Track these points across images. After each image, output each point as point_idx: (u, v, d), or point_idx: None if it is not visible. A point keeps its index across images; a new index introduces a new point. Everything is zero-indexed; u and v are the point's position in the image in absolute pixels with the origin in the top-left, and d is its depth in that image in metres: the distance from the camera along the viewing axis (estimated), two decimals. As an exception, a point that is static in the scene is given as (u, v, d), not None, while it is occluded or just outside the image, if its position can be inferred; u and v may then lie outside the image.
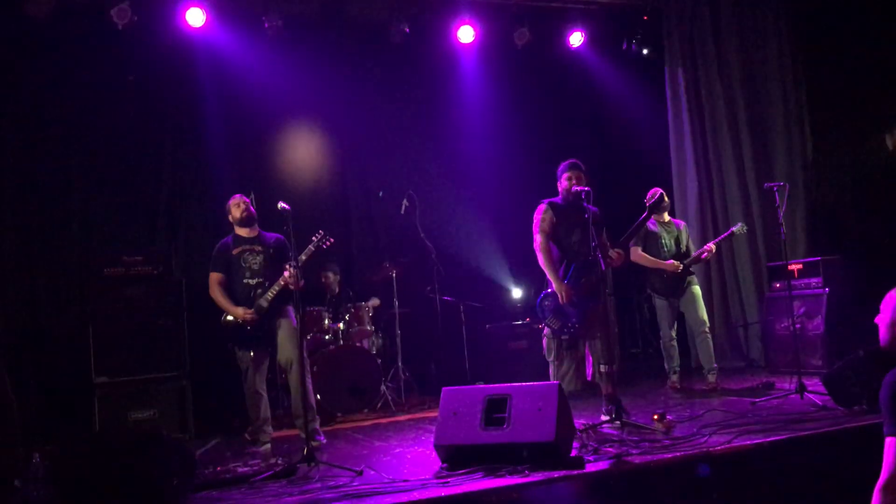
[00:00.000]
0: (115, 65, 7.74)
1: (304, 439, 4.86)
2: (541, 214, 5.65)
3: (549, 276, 5.54)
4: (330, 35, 8.47)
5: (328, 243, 5.60)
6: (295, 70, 8.27)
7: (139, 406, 6.31)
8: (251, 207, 5.82)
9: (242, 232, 5.81)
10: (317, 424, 5.64)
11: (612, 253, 5.57)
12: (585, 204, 5.37)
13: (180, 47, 7.84)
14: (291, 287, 5.40)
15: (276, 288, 5.57)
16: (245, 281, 5.68)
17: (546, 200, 5.72)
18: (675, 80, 9.02)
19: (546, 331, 5.65)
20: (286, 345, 5.55)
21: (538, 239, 5.62)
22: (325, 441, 5.59)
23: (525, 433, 4.27)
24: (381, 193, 7.76)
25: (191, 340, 6.64)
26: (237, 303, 5.63)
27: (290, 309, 5.65)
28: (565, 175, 5.65)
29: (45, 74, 7.47)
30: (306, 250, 5.54)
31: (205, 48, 7.94)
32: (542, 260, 5.59)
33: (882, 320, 2.75)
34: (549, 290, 5.56)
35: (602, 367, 5.50)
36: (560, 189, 5.71)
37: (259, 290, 5.63)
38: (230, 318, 5.64)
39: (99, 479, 3.99)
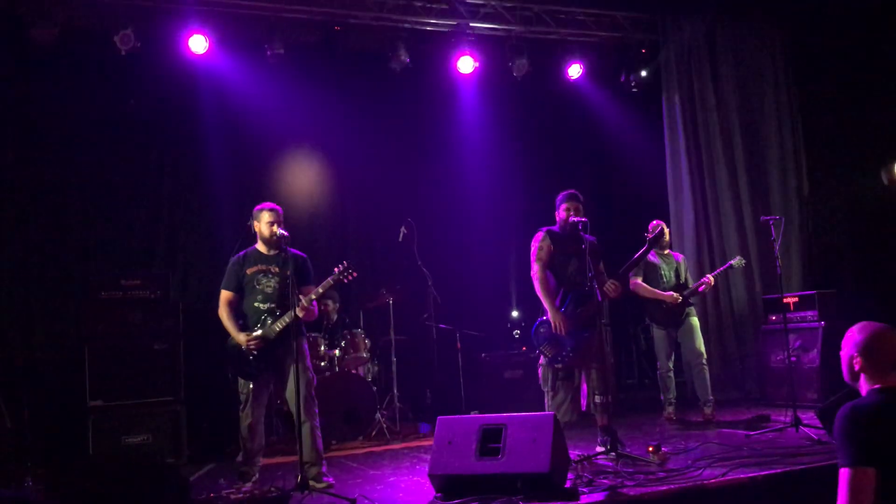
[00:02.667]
0: (117, 90, 7.81)
1: (306, 479, 4.77)
2: (538, 243, 5.67)
3: (546, 304, 5.54)
4: (331, 63, 8.54)
5: (350, 277, 5.16)
6: (295, 97, 8.35)
7: (133, 430, 6.26)
8: (281, 227, 5.27)
9: (263, 248, 5.34)
10: (324, 467, 5.20)
11: (609, 285, 5.58)
12: (583, 234, 5.41)
13: (182, 73, 7.90)
14: (303, 318, 5.08)
15: (287, 319, 5.08)
16: (256, 305, 5.22)
17: (544, 229, 5.74)
18: (673, 114, 9.09)
19: (542, 360, 5.64)
20: (296, 383, 5.05)
21: (535, 267, 5.62)
22: (333, 482, 5.11)
23: (520, 464, 4.27)
24: (403, 230, 7.65)
25: (187, 365, 6.62)
26: (245, 327, 5.21)
27: (304, 343, 5.26)
28: (563, 206, 5.67)
29: (47, 98, 7.53)
30: (325, 283, 5.16)
31: (206, 75, 8.01)
32: (538, 288, 5.60)
33: (843, 356, 2.86)
34: (545, 318, 5.56)
35: (597, 397, 5.49)
36: (558, 219, 5.74)
37: (269, 318, 5.19)
38: (234, 341, 5.21)
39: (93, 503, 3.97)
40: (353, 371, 7.32)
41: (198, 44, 7.62)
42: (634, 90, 9.42)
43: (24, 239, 7.39)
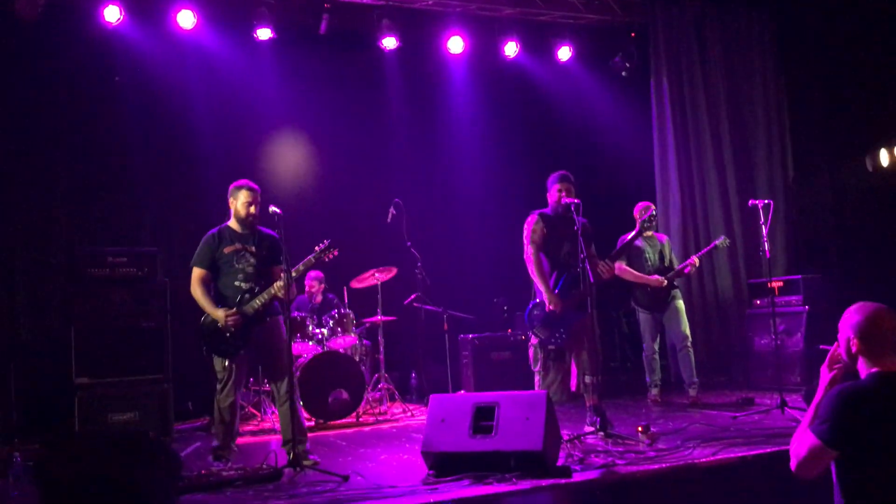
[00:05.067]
0: (103, 66, 7.73)
1: (295, 457, 4.78)
2: (532, 226, 5.66)
3: (540, 286, 5.55)
4: (320, 44, 8.49)
5: (331, 256, 5.13)
6: (284, 77, 8.31)
7: (120, 408, 6.20)
8: (258, 207, 5.20)
9: (237, 226, 5.25)
10: (307, 445, 5.14)
11: (603, 266, 5.60)
12: (575, 216, 5.41)
13: (170, 49, 7.83)
14: (282, 297, 5.00)
15: (266, 296, 5.06)
16: (237, 284, 5.14)
17: (537, 212, 5.73)
18: (661, 97, 9.12)
19: (533, 340, 5.67)
20: (275, 360, 5.12)
21: (529, 250, 5.63)
22: (318, 459, 5.07)
23: (512, 441, 4.29)
24: (391, 210, 7.60)
25: (174, 343, 6.58)
26: (224, 306, 5.12)
27: (281, 319, 5.19)
28: (556, 187, 5.65)
29: (32, 73, 7.41)
30: (306, 261, 5.08)
31: (195, 52, 7.95)
32: (532, 271, 5.61)
33: (840, 337, 2.85)
34: (538, 300, 5.58)
35: (587, 378, 5.53)
36: (550, 200, 5.73)
37: (248, 296, 5.12)
38: (210, 335, 5.14)
39: (83, 479, 3.93)
40: (342, 351, 7.31)
41: (186, 19, 7.55)
42: (624, 74, 9.43)
43: (9, 215, 7.29)
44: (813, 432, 2.66)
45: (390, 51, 8.46)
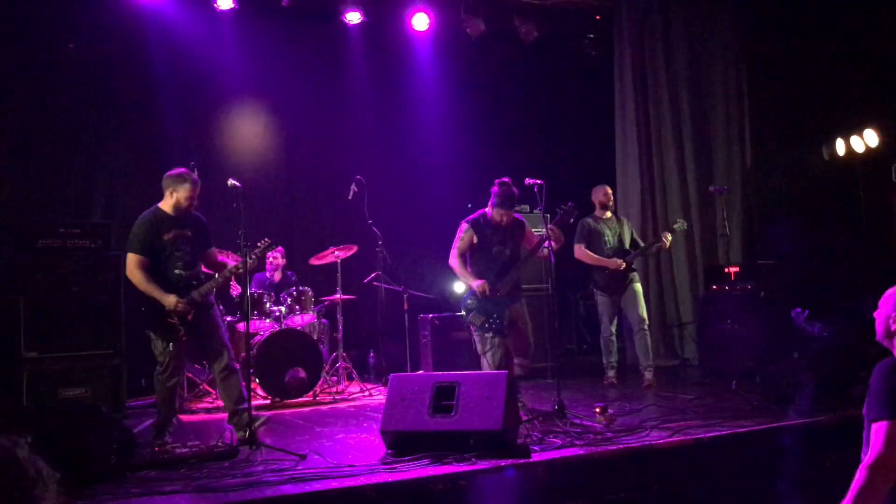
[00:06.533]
0: (56, 32, 7.49)
1: (247, 424, 4.75)
2: (461, 233, 5.91)
3: (464, 279, 5.86)
4: (282, 16, 8.34)
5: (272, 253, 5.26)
6: (245, 49, 8.16)
7: (70, 383, 6.02)
8: (196, 199, 5.23)
9: (170, 211, 5.18)
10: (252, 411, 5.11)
11: (550, 232, 5.72)
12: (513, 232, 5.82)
13: (128, 18, 7.62)
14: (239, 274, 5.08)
15: (213, 284, 5.14)
16: (177, 272, 5.11)
17: (468, 219, 5.94)
18: (624, 79, 9.15)
19: (472, 328, 5.88)
20: (211, 341, 5.18)
21: (452, 253, 5.90)
22: (268, 414, 5.24)
23: (472, 421, 4.29)
24: (353, 187, 7.51)
25: (128, 318, 6.42)
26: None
27: (215, 303, 5.33)
28: (496, 209, 5.83)
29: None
30: (246, 262, 4.96)
31: (154, 20, 7.76)
32: (455, 268, 5.90)
33: (879, 315, 2.85)
34: (472, 291, 5.80)
35: (516, 360, 5.83)
36: (489, 210, 5.90)
37: (194, 282, 5.13)
38: (155, 320, 5.07)
39: (34, 454, 3.83)
40: (300, 329, 7.23)
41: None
42: (593, 54, 9.44)
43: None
44: (877, 420, 2.58)
45: (354, 25, 8.34)
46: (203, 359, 5.49)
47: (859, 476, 2.54)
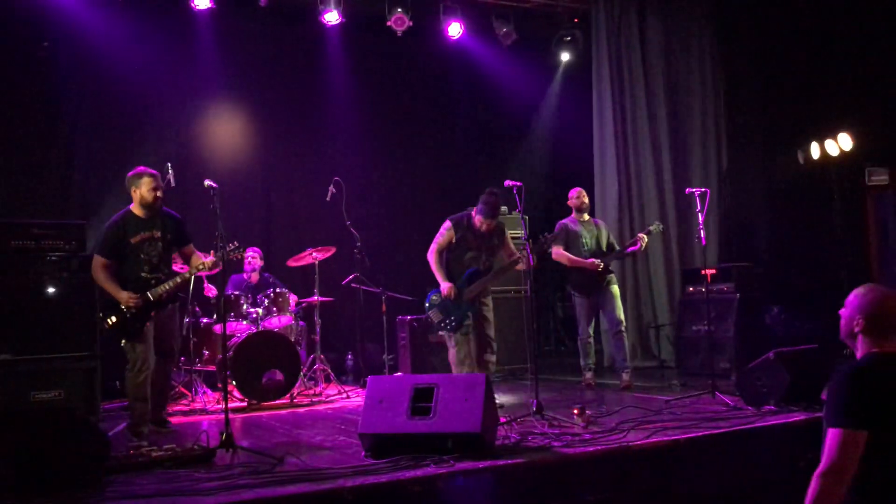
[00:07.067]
0: (32, 31, 7.40)
1: (224, 424, 4.72)
2: (444, 231, 6.11)
3: (437, 275, 6.06)
4: (260, 16, 8.30)
5: (237, 257, 5.34)
6: (223, 50, 8.11)
7: (44, 386, 5.92)
8: (162, 190, 5.29)
9: (140, 212, 5.26)
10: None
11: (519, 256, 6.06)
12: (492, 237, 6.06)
13: (104, 17, 7.56)
14: (204, 272, 5.41)
15: (171, 284, 5.24)
16: (143, 275, 5.22)
17: (453, 218, 6.11)
18: (601, 83, 9.20)
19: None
20: (171, 335, 5.48)
21: (432, 248, 6.11)
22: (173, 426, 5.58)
23: (451, 423, 4.27)
24: (331, 189, 7.50)
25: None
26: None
27: (178, 307, 5.60)
28: (479, 217, 6.02)
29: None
30: (210, 260, 5.26)
31: (129, 20, 7.69)
32: (431, 262, 6.10)
33: (844, 313, 2.87)
34: (438, 289, 6.06)
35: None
36: (474, 217, 6.07)
37: (154, 281, 5.24)
38: (113, 318, 5.19)
39: (5, 459, 3.78)
40: (277, 331, 7.19)
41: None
42: (569, 57, 9.48)
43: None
44: (832, 426, 2.58)
45: (332, 26, 8.31)
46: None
47: (814, 484, 2.55)
